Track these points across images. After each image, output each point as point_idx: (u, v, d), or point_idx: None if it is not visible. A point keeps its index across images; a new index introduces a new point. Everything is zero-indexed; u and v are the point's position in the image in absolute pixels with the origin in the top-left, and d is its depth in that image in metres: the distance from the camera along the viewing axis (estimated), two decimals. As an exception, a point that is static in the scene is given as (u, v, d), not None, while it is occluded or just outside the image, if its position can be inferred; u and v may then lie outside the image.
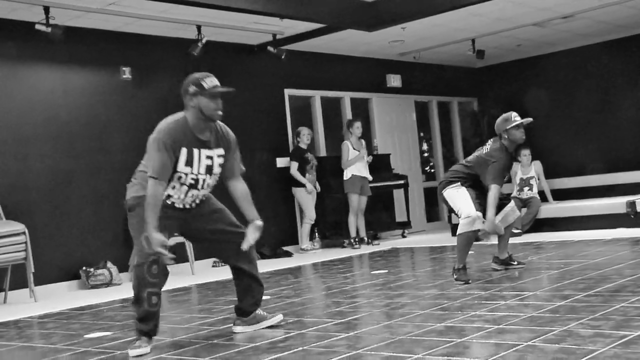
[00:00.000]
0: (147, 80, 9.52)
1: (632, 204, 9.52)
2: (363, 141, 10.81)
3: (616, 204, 9.62)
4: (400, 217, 12.13)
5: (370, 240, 10.86)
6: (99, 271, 8.46)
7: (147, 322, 4.27)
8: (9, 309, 7.18)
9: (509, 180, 5.63)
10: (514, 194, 10.63)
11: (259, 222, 4.52)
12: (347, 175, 10.48)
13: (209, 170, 4.43)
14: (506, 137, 6.12)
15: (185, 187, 4.36)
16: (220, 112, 4.44)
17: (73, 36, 8.56)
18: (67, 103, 8.81)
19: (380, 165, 11.65)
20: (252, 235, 4.49)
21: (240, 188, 4.70)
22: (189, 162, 4.33)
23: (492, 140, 6.30)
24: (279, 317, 4.73)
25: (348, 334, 4.21)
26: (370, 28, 9.96)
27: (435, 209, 13.88)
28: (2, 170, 8.10)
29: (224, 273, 8.54)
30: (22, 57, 8.49)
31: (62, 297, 7.86)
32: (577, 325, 3.80)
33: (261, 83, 10.86)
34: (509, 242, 6.51)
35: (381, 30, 10.11)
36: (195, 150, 4.35)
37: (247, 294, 4.66)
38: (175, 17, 8.76)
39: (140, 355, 4.17)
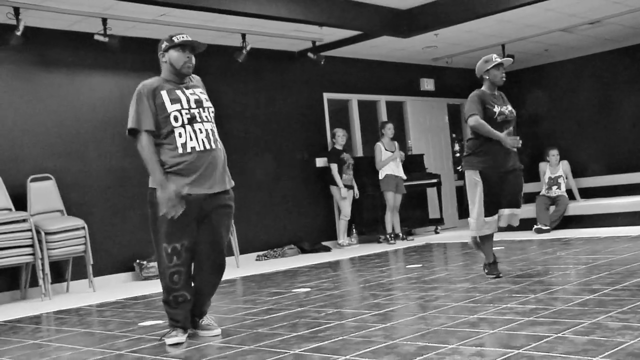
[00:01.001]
0: (195, 85, 9.56)
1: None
2: (396, 142, 10.79)
3: (630, 203, 9.52)
4: (433, 214, 12.08)
5: (404, 236, 10.83)
6: (151, 264, 8.53)
7: (177, 319, 4.28)
8: (71, 298, 7.30)
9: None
10: (543, 192, 10.55)
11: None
12: (382, 175, 10.48)
13: (199, 103, 4.28)
14: (487, 77, 5.84)
15: (189, 127, 4.17)
16: (190, 65, 4.30)
17: (128, 45, 8.65)
18: (123, 107, 8.78)
19: (414, 164, 11.63)
20: None
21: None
22: (175, 100, 4.19)
23: None
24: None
25: (385, 325, 4.20)
26: (404, 35, 9.92)
27: (466, 206, 13.77)
28: (64, 170, 8.21)
29: (268, 266, 8.64)
30: (82, 65, 8.60)
31: (118, 287, 7.95)
32: (606, 318, 3.75)
33: (301, 87, 10.88)
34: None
35: (415, 36, 10.07)
36: (177, 90, 4.25)
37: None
38: (220, 26, 8.81)
39: (177, 344, 4.19)
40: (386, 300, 5.22)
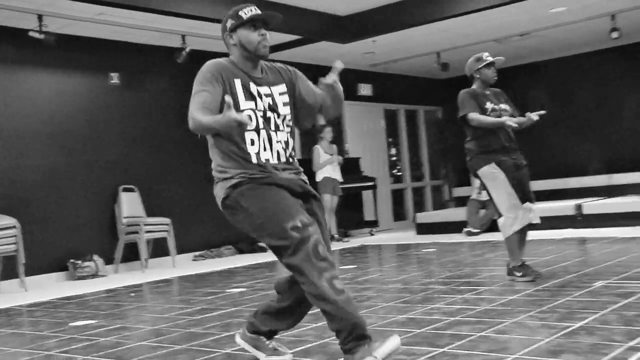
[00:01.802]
0: (134, 85, 9.49)
1: (579, 207, 9.65)
2: (334, 145, 10.84)
3: (566, 207, 9.73)
4: (368, 216, 12.18)
5: (340, 238, 10.89)
6: (86, 263, 8.43)
7: (359, 323, 3.04)
8: (1, 298, 7.12)
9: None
10: (474, 196, 10.69)
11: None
12: (319, 177, 10.50)
13: (273, 109, 3.23)
14: (478, 76, 5.58)
15: (263, 132, 3.17)
16: (266, 45, 3.26)
17: (65, 43, 8.52)
18: (60, 105, 8.76)
19: (351, 167, 11.70)
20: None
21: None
22: (250, 96, 3.19)
23: None
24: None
25: (316, 325, 4.20)
26: (343, 41, 10.00)
27: (401, 208, 13.94)
28: (-4, 168, 8.06)
29: (204, 266, 8.60)
30: (18, 61, 8.44)
31: (51, 287, 7.81)
32: (526, 318, 3.85)
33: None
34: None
35: (353, 42, 10.15)
36: (252, 84, 3.22)
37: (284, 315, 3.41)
38: (161, 27, 8.74)
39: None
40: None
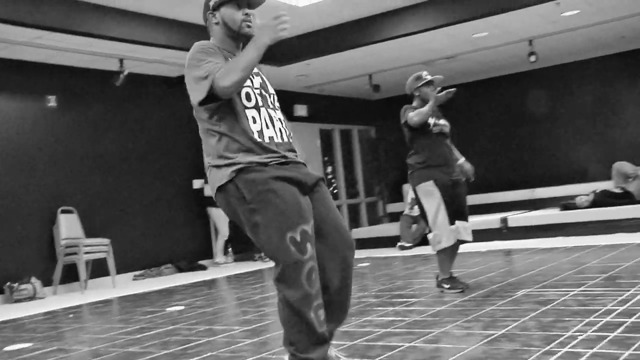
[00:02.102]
0: (71, 108, 9.36)
1: (504, 220, 9.86)
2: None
3: (492, 220, 9.92)
4: (306, 233, 12.21)
5: (278, 255, 10.88)
6: (23, 286, 8.23)
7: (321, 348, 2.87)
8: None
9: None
10: (406, 211, 10.84)
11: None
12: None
13: (265, 87, 3.08)
14: (417, 94, 5.57)
15: (263, 110, 2.97)
16: (250, 24, 3.04)
17: (1, 66, 8.38)
18: (-4, 129, 8.60)
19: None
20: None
21: None
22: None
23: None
24: None
25: (253, 340, 4.23)
26: (278, 64, 10.06)
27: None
28: None
29: (144, 285, 8.51)
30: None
31: (-11, 310, 7.63)
32: (453, 327, 3.93)
33: (179, 111, 10.74)
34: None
35: (288, 65, 10.22)
36: None
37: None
38: (99, 51, 8.65)
39: None
40: (257, 316, 5.25)
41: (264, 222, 2.81)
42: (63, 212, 8.88)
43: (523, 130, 12.77)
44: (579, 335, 3.41)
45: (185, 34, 8.47)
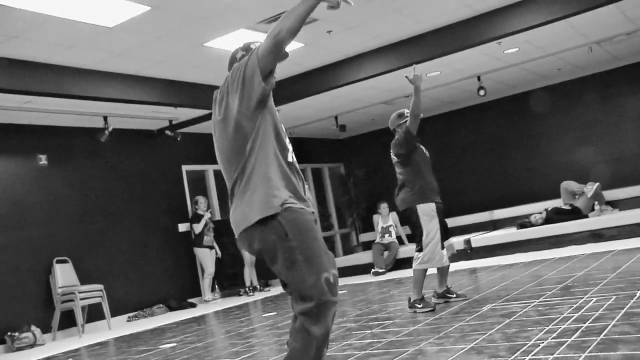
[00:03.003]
0: (61, 164, 9.33)
1: (468, 242, 9.94)
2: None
3: (457, 242, 9.96)
4: (286, 266, 12.18)
5: (262, 288, 10.86)
6: (24, 334, 8.10)
7: None
8: (-56, 375, 6.83)
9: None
10: (377, 240, 10.88)
11: None
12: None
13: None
14: (400, 130, 5.72)
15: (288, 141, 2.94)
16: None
17: (-6, 131, 8.36)
18: (-9, 188, 8.54)
19: (266, 223, 11.71)
20: None
21: None
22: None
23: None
24: None
25: (243, 369, 4.22)
26: (250, 111, 10.11)
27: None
28: None
29: (138, 326, 8.43)
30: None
31: (-7, 359, 7.51)
32: (426, 344, 3.96)
33: (161, 161, 10.82)
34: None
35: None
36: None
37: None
38: (83, 110, 8.67)
39: None
40: (244, 347, 5.23)
41: (303, 260, 2.68)
42: (58, 262, 8.80)
43: (478, 158, 12.94)
44: (541, 342, 3.46)
45: (161, 89, 8.53)
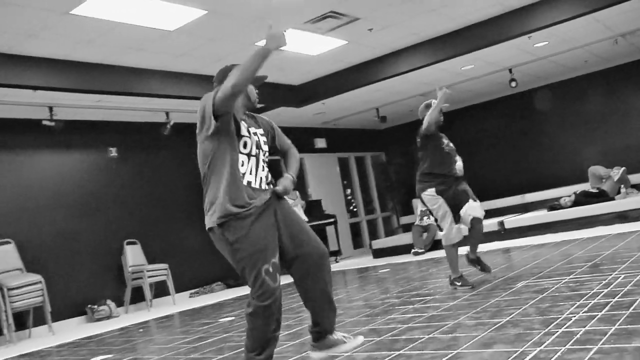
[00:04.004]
0: (129, 156, 9.49)
1: (501, 223, 9.79)
2: (297, 192, 10.89)
3: (491, 224, 9.86)
4: (332, 246, 12.19)
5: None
6: (101, 307, 8.32)
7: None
8: (33, 342, 7.02)
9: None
10: (417, 222, 10.80)
11: (290, 176, 3.27)
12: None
13: (259, 145, 3.14)
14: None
15: (252, 159, 3.07)
16: (256, 98, 3.25)
17: (71, 127, 8.52)
18: (69, 178, 8.72)
19: (314, 208, 11.74)
20: (283, 183, 3.19)
21: (293, 152, 3.46)
22: (246, 130, 3.11)
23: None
24: (359, 339, 3.25)
25: (294, 342, 4.23)
26: (298, 105, 10.13)
27: (359, 238, 13.99)
28: (21, 233, 7.95)
29: (199, 301, 8.53)
30: (35, 146, 8.42)
31: (74, 329, 7.71)
32: (465, 318, 3.91)
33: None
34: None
35: (307, 105, 10.29)
36: (243, 122, 3.13)
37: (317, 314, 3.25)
38: (148, 107, 8.79)
39: None
40: (296, 321, 5.24)
41: (244, 257, 2.98)
42: (128, 243, 8.97)
43: (511, 145, 12.73)
44: (573, 316, 3.39)
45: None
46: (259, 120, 3.31)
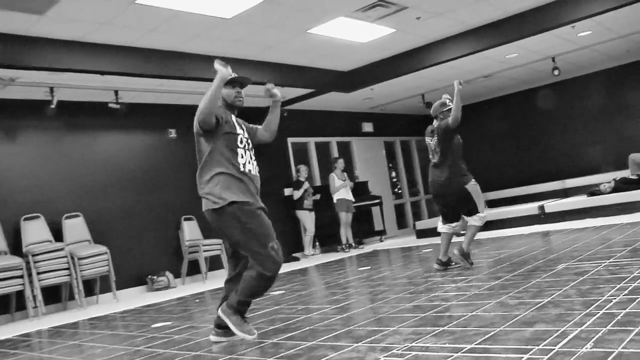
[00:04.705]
0: (188, 137, 9.55)
1: (542, 207, 9.60)
2: (345, 173, 10.88)
3: (531, 208, 9.70)
4: (377, 226, 12.18)
5: (356, 245, 10.89)
6: (160, 278, 8.49)
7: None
8: (100, 307, 7.23)
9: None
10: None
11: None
12: (335, 199, 10.53)
13: (248, 141, 3.83)
14: (442, 117, 5.72)
15: (246, 152, 3.75)
16: (240, 98, 3.82)
17: (134, 109, 8.68)
18: (132, 158, 8.89)
19: (360, 189, 11.72)
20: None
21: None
22: (238, 126, 3.76)
23: (433, 127, 5.80)
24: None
25: (342, 316, 4.23)
26: (347, 90, 10.08)
27: (403, 219, 13.91)
28: (89, 208, 8.16)
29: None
30: (101, 127, 8.60)
31: (135, 297, 7.89)
32: (507, 298, 3.85)
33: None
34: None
35: (355, 91, 10.23)
36: (236, 122, 3.79)
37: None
38: (205, 90, 8.84)
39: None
40: (343, 296, 5.25)
41: (255, 235, 3.60)
42: (185, 219, 9.11)
43: (552, 131, 12.45)
44: (613, 298, 3.30)
45: (270, 72, 8.59)
46: (240, 123, 3.87)
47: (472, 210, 5.61)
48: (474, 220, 5.65)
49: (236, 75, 3.77)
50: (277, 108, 3.99)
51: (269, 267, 3.53)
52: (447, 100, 5.74)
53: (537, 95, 12.62)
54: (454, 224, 5.76)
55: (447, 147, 5.62)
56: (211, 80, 3.63)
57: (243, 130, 3.79)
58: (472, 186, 5.57)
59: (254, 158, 3.82)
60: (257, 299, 5.48)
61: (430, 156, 5.81)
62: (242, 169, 3.65)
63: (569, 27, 8.25)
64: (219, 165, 3.63)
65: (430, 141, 5.80)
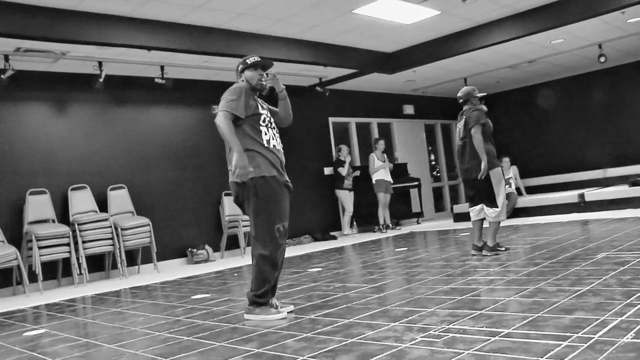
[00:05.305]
0: (231, 114, 9.64)
1: (582, 196, 9.41)
2: (385, 154, 10.82)
3: (571, 196, 9.51)
4: (415, 208, 12.11)
5: (394, 226, 10.85)
6: (200, 251, 8.60)
7: (269, 300, 3.83)
8: (141, 278, 7.36)
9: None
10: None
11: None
12: (374, 179, 10.49)
13: (270, 120, 3.93)
14: (473, 102, 5.80)
15: (269, 129, 3.84)
16: (263, 82, 3.92)
17: (179, 85, 8.75)
18: (176, 132, 8.99)
19: (400, 171, 11.65)
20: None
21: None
22: (262, 107, 3.88)
23: (464, 111, 5.84)
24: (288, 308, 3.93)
25: (379, 295, 4.23)
26: (390, 72, 9.97)
27: (441, 202, 13.80)
28: (134, 180, 8.31)
29: (289, 252, 8.62)
30: (146, 102, 8.71)
31: (175, 269, 8.01)
32: (545, 284, 3.79)
33: (312, 114, 10.94)
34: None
35: (398, 73, 10.12)
36: (259, 103, 3.89)
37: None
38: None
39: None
40: (380, 276, 5.25)
41: (266, 212, 3.71)
42: (226, 195, 9.19)
43: (595, 119, 12.13)
44: (656, 291, 3.22)
45: (313, 51, 8.54)
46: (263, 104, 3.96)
47: (493, 201, 5.54)
48: (490, 217, 5.59)
49: (258, 59, 3.91)
50: (284, 100, 4.04)
51: (269, 246, 3.65)
52: (477, 90, 5.91)
53: (581, 83, 12.29)
54: (479, 207, 5.67)
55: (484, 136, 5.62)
56: (265, 59, 3.91)
57: (265, 109, 3.91)
58: (496, 173, 5.53)
59: (277, 134, 3.93)
60: (294, 276, 5.52)
61: (458, 140, 5.79)
62: (266, 144, 3.77)
63: (619, 13, 7.99)
64: (243, 142, 3.69)
65: (459, 124, 5.79)
